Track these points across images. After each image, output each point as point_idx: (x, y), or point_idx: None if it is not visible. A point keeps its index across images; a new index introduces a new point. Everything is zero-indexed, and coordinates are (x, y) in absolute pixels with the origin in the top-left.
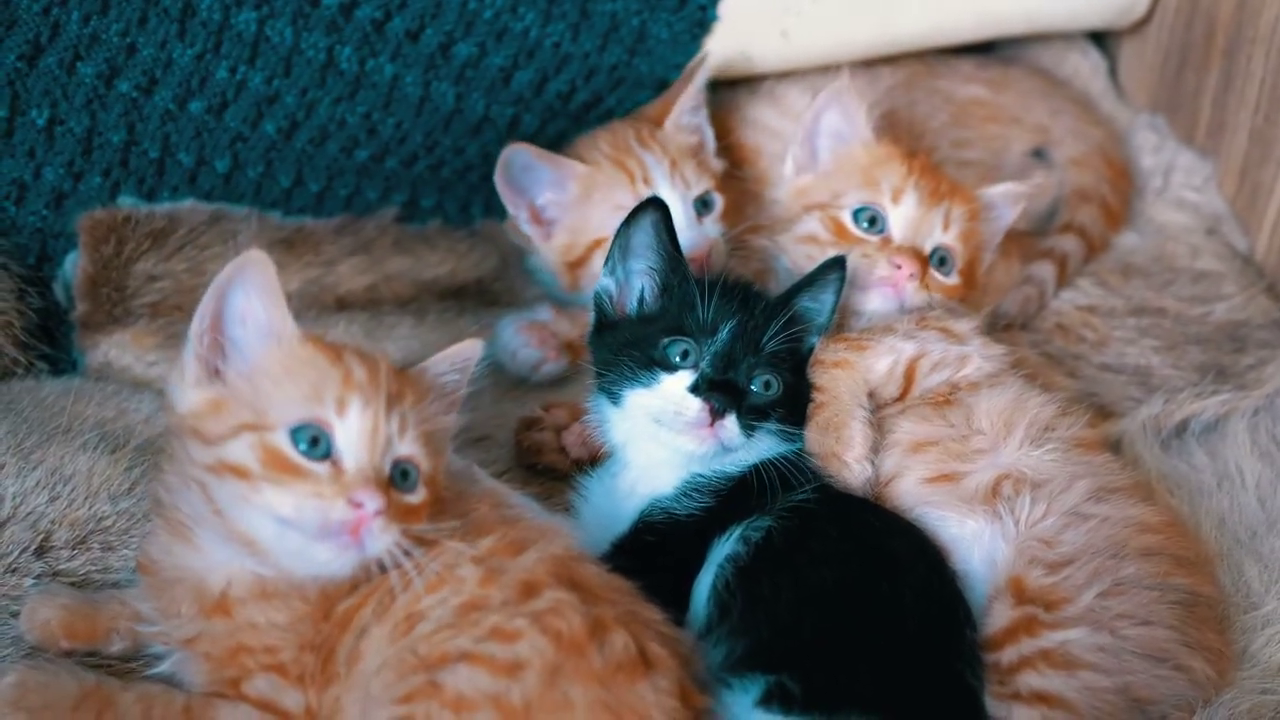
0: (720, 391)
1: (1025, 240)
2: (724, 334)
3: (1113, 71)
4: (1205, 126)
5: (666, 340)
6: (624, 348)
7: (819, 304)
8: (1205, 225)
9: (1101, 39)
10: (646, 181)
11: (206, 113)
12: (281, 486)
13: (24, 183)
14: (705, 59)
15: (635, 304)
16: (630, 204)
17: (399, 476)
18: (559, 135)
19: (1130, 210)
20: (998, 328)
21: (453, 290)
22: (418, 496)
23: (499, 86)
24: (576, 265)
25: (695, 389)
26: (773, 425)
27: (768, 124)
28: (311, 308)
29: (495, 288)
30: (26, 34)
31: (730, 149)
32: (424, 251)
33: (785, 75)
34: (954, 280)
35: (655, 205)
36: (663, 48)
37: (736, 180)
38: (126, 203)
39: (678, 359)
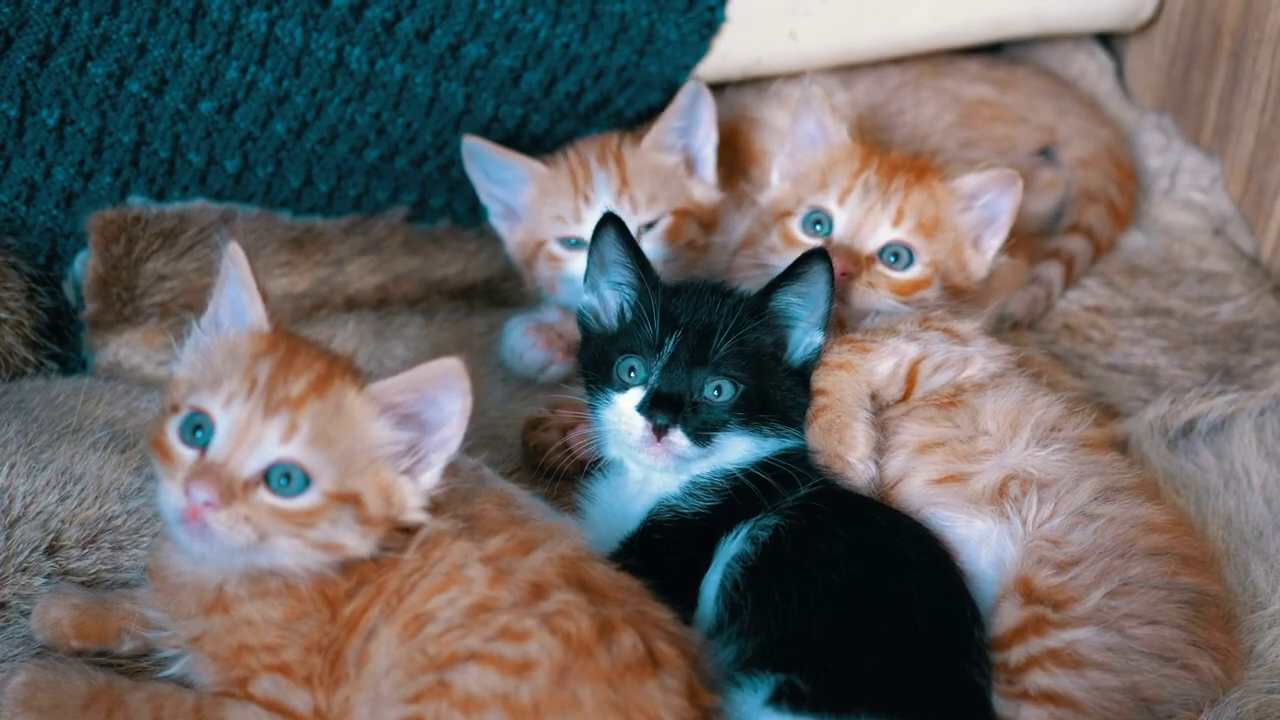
0: (664, 407)
1: (1032, 241)
2: (669, 348)
3: (1119, 72)
4: (1212, 127)
5: (619, 359)
6: (593, 366)
7: (804, 299)
8: (1212, 226)
9: (1108, 40)
10: (587, 198)
11: (217, 113)
12: (160, 468)
13: (34, 182)
14: (700, 88)
15: (615, 320)
16: (568, 215)
17: (278, 478)
18: (568, 136)
19: (1137, 211)
20: (1005, 328)
21: (462, 290)
22: (300, 503)
23: (508, 87)
24: (528, 265)
25: (640, 406)
26: (734, 431)
27: (775, 125)
28: (321, 307)
29: (504, 287)
30: (37, 34)
31: (737, 151)
32: (433, 251)
33: (793, 76)
34: (914, 274)
35: (612, 221)
36: (671, 49)
37: (736, 187)
38: (137, 202)
39: (629, 377)
